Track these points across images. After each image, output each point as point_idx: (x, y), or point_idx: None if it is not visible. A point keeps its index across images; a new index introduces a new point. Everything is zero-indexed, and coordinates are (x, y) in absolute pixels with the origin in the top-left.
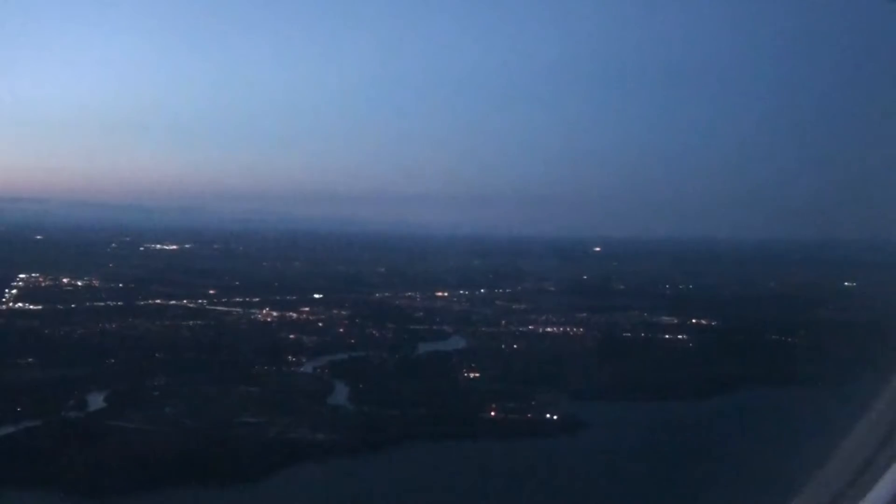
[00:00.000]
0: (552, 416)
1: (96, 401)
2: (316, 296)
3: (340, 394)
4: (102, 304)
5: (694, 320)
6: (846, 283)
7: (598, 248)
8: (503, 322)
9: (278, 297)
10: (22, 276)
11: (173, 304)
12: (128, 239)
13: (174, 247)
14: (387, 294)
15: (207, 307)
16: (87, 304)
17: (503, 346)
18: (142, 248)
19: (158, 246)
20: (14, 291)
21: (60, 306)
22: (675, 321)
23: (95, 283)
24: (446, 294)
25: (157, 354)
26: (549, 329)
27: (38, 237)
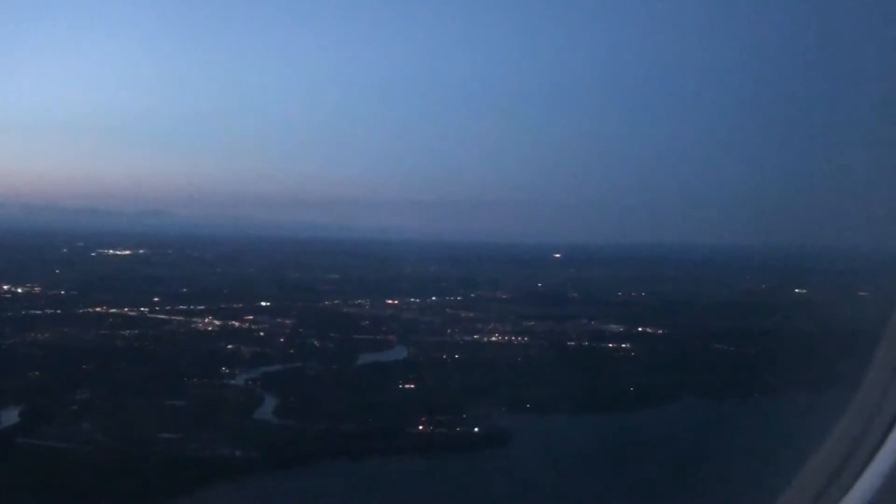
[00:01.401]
0: (479, 429)
1: (10, 416)
2: (263, 304)
3: (268, 408)
4: (39, 312)
5: (640, 329)
6: (797, 290)
7: (558, 255)
8: (448, 331)
9: (224, 305)
10: None
11: (113, 313)
12: (81, 244)
13: (127, 252)
14: (336, 302)
15: (148, 315)
16: (23, 312)
17: (444, 357)
18: (93, 254)
19: (111, 251)
20: None
21: None
22: (622, 329)
23: (36, 289)
24: (397, 302)
25: (84, 366)
26: (493, 338)
27: None
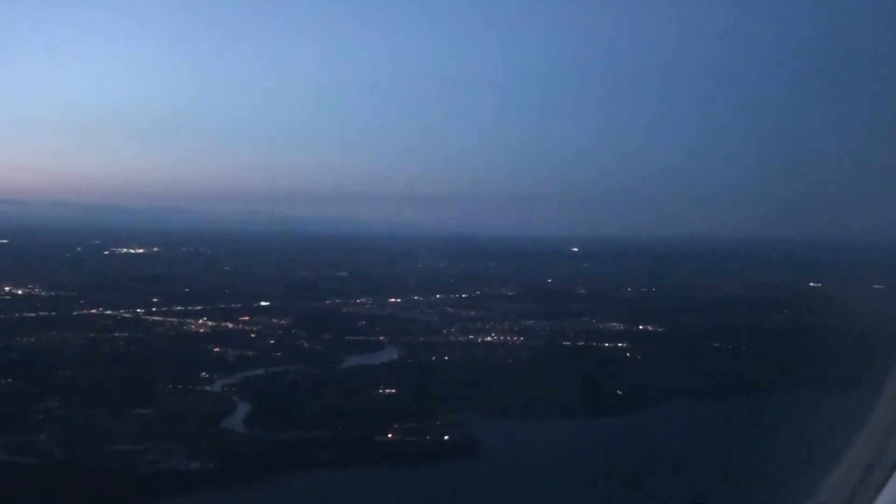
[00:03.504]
0: (449, 437)
1: None
2: (263, 303)
3: (238, 416)
4: (33, 314)
5: (640, 327)
6: (811, 285)
7: (575, 249)
8: (444, 331)
9: (223, 306)
10: None
11: (108, 314)
12: (97, 242)
13: (141, 250)
14: (337, 301)
15: (143, 317)
16: (16, 314)
17: (433, 358)
18: (106, 252)
19: (124, 250)
20: None
21: None
22: (622, 328)
23: (37, 291)
24: (399, 300)
25: (61, 372)
26: (488, 338)
27: (3, 241)
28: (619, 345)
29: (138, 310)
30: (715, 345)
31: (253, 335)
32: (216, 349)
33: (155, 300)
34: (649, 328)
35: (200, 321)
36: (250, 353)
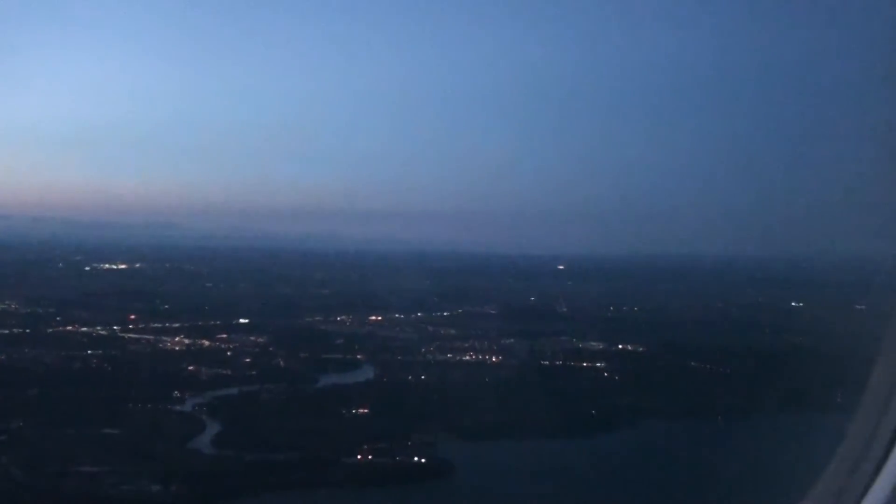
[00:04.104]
0: (420, 459)
1: None
2: (242, 321)
3: (206, 436)
4: (7, 331)
5: (621, 346)
6: (793, 304)
7: (561, 266)
8: (422, 350)
9: (201, 323)
10: None
11: (83, 331)
12: (79, 258)
13: (123, 266)
14: (318, 318)
15: (119, 334)
16: None
17: (410, 378)
18: (87, 268)
19: (106, 265)
20: None
21: None
22: (602, 347)
23: (13, 307)
24: (380, 318)
25: (29, 391)
26: (466, 357)
27: None
28: (598, 364)
29: (115, 327)
30: (692, 364)
31: (229, 353)
32: (190, 367)
33: (133, 317)
34: (629, 347)
35: (177, 339)
36: (225, 372)
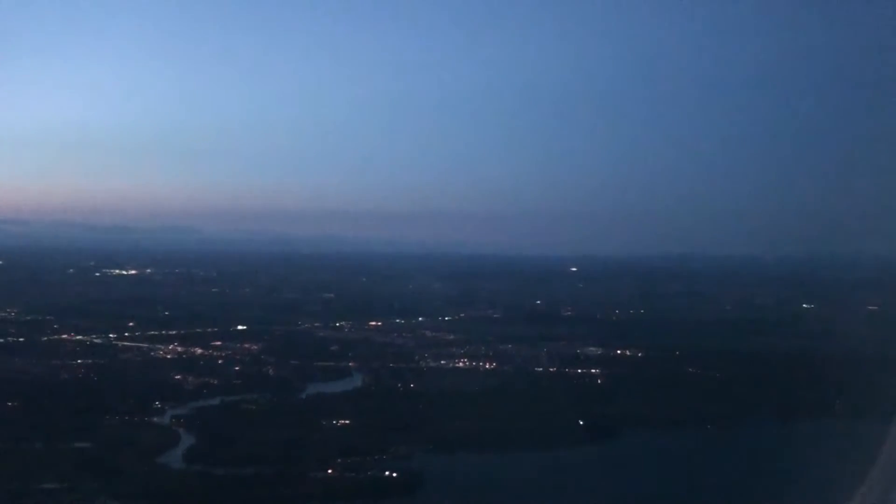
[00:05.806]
0: (391, 473)
1: None
2: (240, 327)
3: (179, 450)
4: (1, 340)
5: (619, 351)
6: (804, 306)
7: (574, 268)
8: (416, 356)
9: (198, 330)
10: None
11: (77, 340)
12: (91, 263)
13: (133, 272)
14: (316, 324)
15: (113, 342)
16: None
17: (398, 386)
18: (97, 274)
19: (116, 271)
20: None
21: None
22: (599, 352)
23: (14, 314)
24: (379, 323)
25: (9, 403)
26: (460, 364)
27: None
28: (593, 371)
29: (111, 335)
30: (690, 370)
31: (220, 361)
32: (177, 377)
33: (130, 324)
34: (627, 353)
35: (170, 347)
36: (212, 381)
